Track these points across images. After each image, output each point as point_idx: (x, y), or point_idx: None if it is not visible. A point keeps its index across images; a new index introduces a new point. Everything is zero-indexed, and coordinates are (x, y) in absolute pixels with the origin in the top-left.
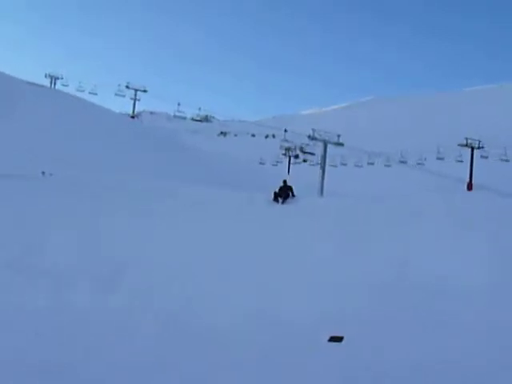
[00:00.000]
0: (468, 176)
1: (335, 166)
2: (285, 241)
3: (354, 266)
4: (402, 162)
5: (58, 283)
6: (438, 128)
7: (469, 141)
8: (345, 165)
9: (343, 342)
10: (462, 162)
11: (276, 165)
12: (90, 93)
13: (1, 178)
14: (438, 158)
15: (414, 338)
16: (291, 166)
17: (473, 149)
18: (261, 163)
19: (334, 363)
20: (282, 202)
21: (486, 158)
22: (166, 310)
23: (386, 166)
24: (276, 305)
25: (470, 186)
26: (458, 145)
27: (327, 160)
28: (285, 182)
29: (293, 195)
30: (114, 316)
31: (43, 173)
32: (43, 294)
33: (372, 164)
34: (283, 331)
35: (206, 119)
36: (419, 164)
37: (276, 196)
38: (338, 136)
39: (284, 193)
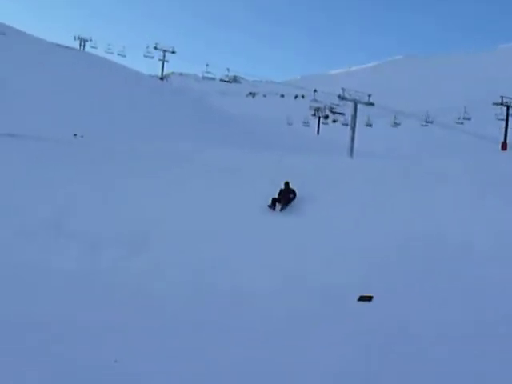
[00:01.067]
0: (503, 136)
1: (370, 126)
2: (312, 203)
3: (380, 228)
4: (428, 122)
5: (86, 245)
6: (470, 88)
7: (504, 99)
8: (370, 126)
9: (372, 302)
10: (503, 120)
11: (307, 125)
12: (118, 54)
13: (34, 141)
14: (465, 118)
15: (440, 302)
16: (321, 126)
17: (508, 107)
18: (289, 124)
19: (364, 324)
20: (281, 209)
21: None
22: (192, 271)
23: (422, 125)
24: (303, 267)
25: (504, 146)
26: (493, 104)
27: (357, 120)
28: (287, 184)
29: (293, 198)
30: (140, 278)
31: (75, 135)
32: (73, 256)
33: (398, 124)
34: (310, 293)
35: (235, 80)
36: (458, 123)
37: (274, 202)
38: (369, 96)
39: (284, 198)
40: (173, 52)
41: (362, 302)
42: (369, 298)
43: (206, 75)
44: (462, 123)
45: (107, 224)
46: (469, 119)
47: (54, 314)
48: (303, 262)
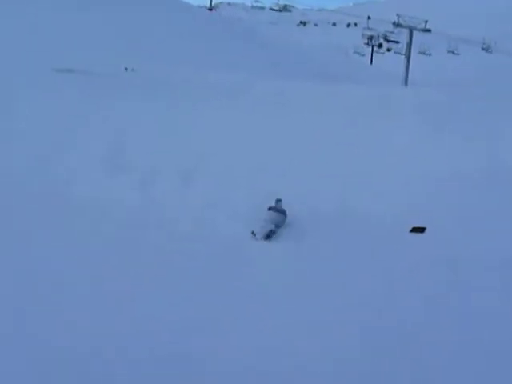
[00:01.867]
0: None
1: (425, 54)
2: (363, 131)
3: (436, 157)
4: (484, 49)
5: (141, 180)
6: None
7: None
8: (426, 54)
9: (427, 234)
10: None
11: (360, 54)
12: None
13: (86, 75)
14: None
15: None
16: (374, 55)
17: None
18: (342, 52)
19: (418, 255)
20: (266, 237)
21: None
22: (246, 205)
23: (485, 51)
24: (357, 197)
25: None
26: None
27: (413, 48)
28: (279, 201)
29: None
30: (195, 211)
31: (126, 69)
32: (129, 190)
33: (455, 53)
34: (364, 223)
35: (285, 9)
36: None
37: None
38: (425, 22)
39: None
40: None
41: (414, 234)
42: (421, 230)
43: (255, 4)
44: None
45: (160, 157)
46: None
47: (113, 247)
48: (353, 189)
